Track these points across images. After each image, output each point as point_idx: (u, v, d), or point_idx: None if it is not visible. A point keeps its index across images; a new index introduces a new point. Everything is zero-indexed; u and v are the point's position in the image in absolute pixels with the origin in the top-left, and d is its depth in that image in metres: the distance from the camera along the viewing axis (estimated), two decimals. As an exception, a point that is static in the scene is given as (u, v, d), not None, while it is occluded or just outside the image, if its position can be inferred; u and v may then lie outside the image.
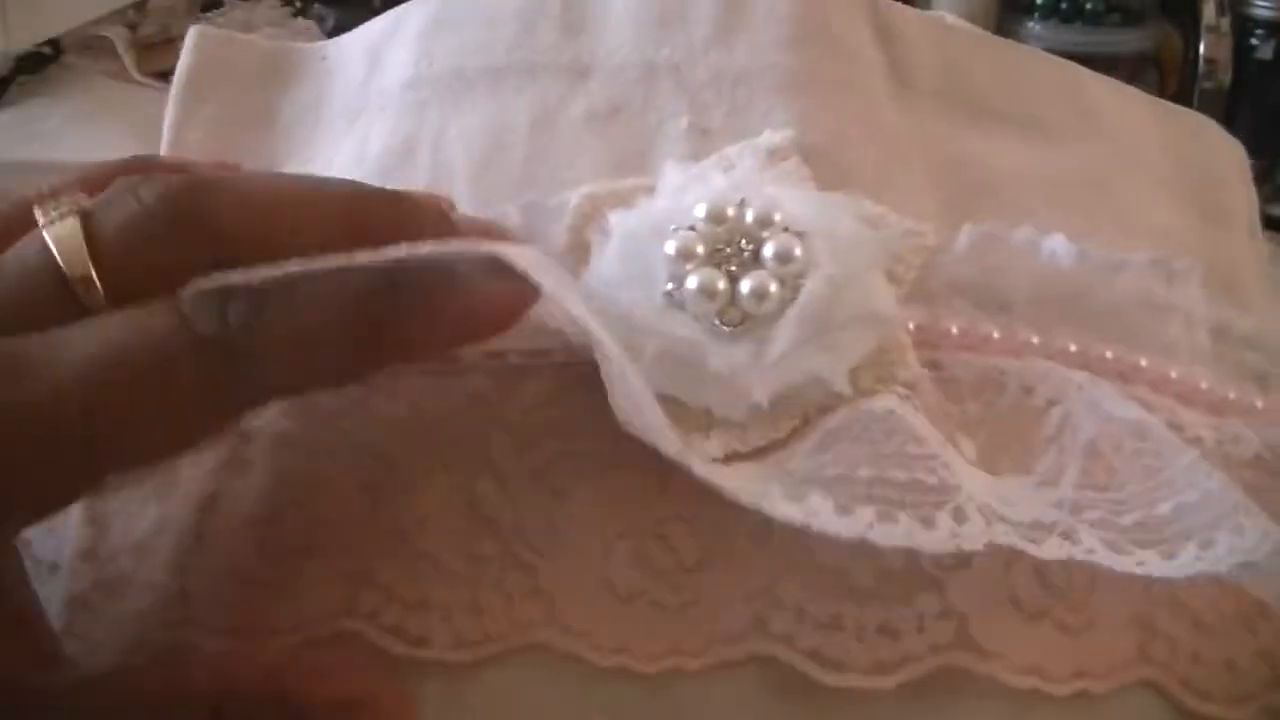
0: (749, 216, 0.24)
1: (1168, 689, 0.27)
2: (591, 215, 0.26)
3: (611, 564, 0.25)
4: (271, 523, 0.26)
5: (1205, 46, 0.88)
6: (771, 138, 0.27)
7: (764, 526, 0.25)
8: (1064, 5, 0.91)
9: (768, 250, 0.24)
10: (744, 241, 0.24)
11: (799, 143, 0.27)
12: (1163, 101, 0.37)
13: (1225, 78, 0.88)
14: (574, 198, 0.26)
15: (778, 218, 0.24)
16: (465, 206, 0.27)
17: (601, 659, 0.25)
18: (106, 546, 0.26)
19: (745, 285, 0.24)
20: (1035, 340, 0.28)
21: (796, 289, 0.24)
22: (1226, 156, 0.37)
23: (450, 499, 0.26)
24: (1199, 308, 0.30)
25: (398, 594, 0.25)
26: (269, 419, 0.27)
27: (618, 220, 0.25)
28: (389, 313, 0.22)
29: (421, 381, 0.26)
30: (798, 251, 0.24)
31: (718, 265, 0.24)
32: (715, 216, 0.24)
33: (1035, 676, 0.26)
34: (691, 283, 0.23)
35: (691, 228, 0.24)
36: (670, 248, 0.24)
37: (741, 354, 0.24)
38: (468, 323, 0.23)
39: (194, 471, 0.26)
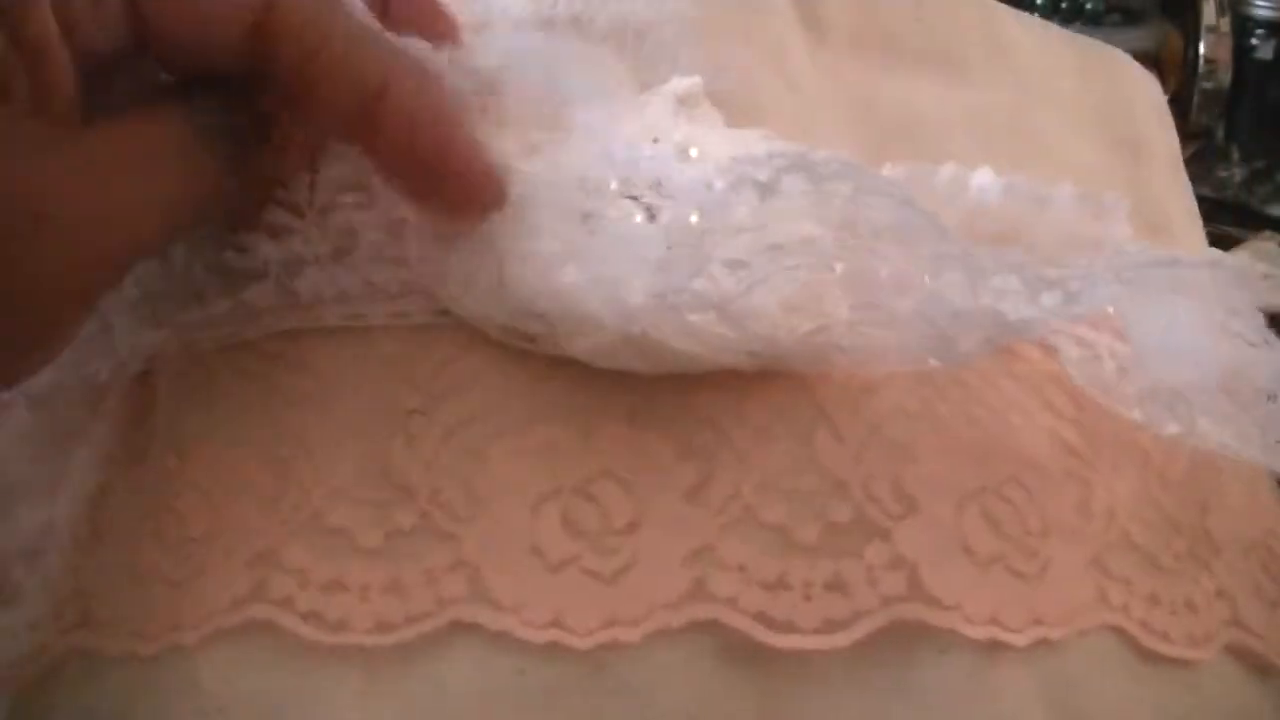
0: (663, 153, 0.24)
1: (1128, 631, 0.27)
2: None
3: (538, 528, 0.24)
4: (169, 511, 0.25)
5: (1205, 46, 0.88)
6: (679, 83, 0.27)
7: (701, 481, 0.25)
8: (1064, 5, 0.91)
9: (682, 183, 0.24)
10: (656, 176, 0.24)
11: (708, 90, 0.27)
12: (1079, 36, 0.37)
13: (1225, 78, 0.88)
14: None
15: (694, 152, 0.24)
16: None
17: (534, 635, 0.24)
18: None
19: (664, 218, 0.24)
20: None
21: (709, 222, 0.24)
22: (1144, 92, 0.37)
23: (363, 468, 0.25)
24: (1127, 243, 0.29)
25: (311, 577, 0.24)
26: (161, 396, 0.26)
27: (535, 167, 0.25)
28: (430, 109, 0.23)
29: (327, 349, 0.25)
30: (695, 182, 0.24)
31: (635, 199, 0.24)
32: (629, 153, 0.24)
33: (993, 626, 0.25)
34: (610, 212, 0.24)
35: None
36: (585, 182, 0.24)
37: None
38: (457, 179, 0.24)
39: (82, 465, 0.26)
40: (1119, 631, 0.27)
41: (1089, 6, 0.90)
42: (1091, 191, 0.30)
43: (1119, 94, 0.36)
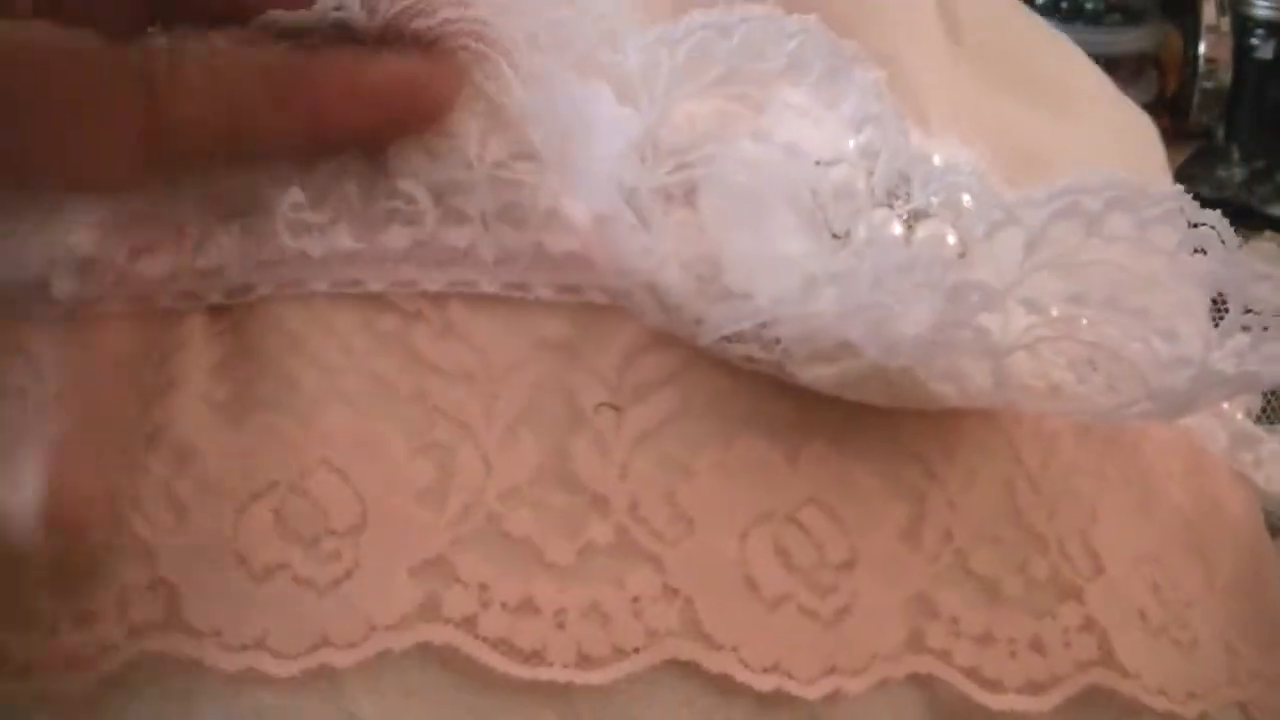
0: (909, 158, 0.22)
1: (1250, 710, 0.26)
2: (695, 140, 0.22)
3: (750, 557, 0.22)
4: (298, 492, 0.21)
5: (1205, 46, 0.88)
6: (867, 74, 0.24)
7: (913, 522, 0.23)
8: (1064, 5, 0.90)
9: (935, 196, 0.21)
10: (913, 184, 0.21)
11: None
12: (1118, 92, 0.36)
13: (1225, 78, 0.88)
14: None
15: (937, 161, 0.22)
16: None
17: (757, 681, 0.21)
18: None
19: (921, 233, 0.21)
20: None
21: (966, 243, 0.21)
22: (1160, 156, 0.37)
23: (543, 467, 0.21)
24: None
25: (494, 591, 0.21)
26: (262, 341, 0.22)
27: (744, 148, 0.22)
28: (304, 72, 0.20)
29: (482, 318, 0.22)
30: (966, 201, 0.21)
31: (889, 207, 0.21)
32: (869, 153, 0.21)
33: (1163, 698, 0.25)
34: (863, 227, 0.21)
35: (838, 160, 0.22)
36: (829, 185, 0.21)
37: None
38: (388, 98, 0.21)
39: (153, 412, 0.21)
40: (1242, 708, 0.26)
41: (1089, 6, 0.90)
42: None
43: (1150, 156, 0.36)
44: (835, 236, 0.21)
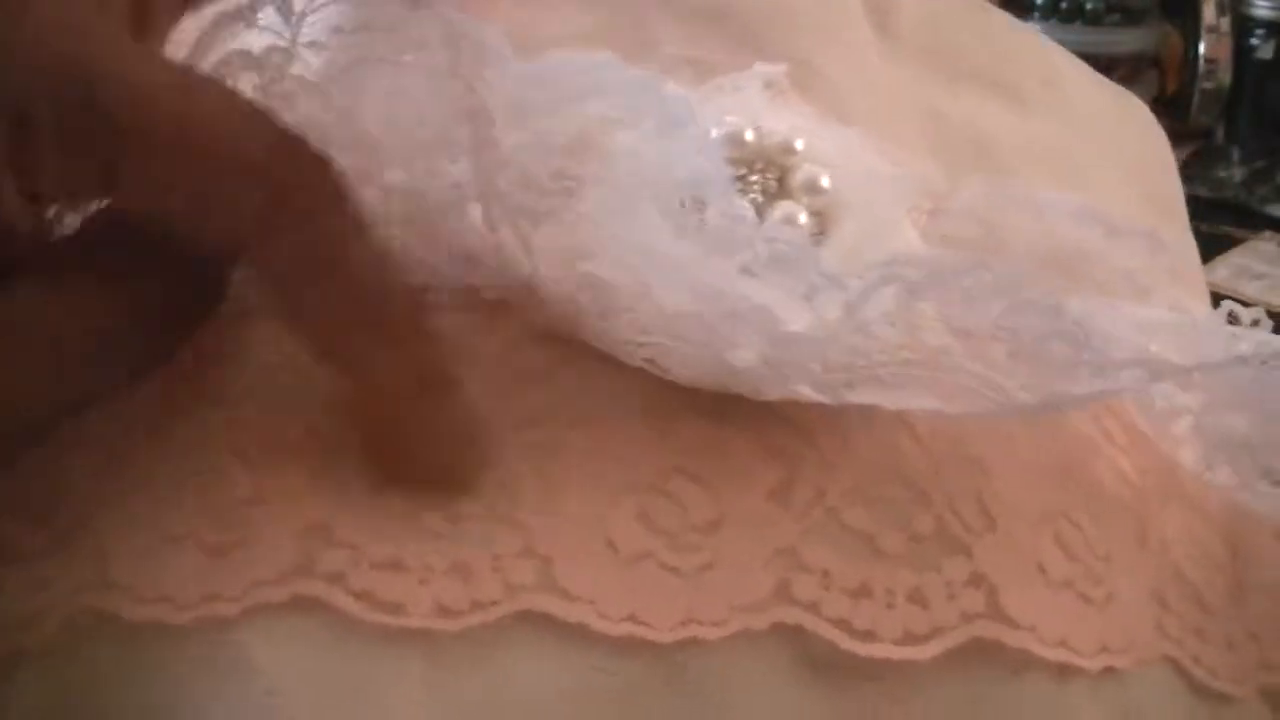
0: (768, 143, 0.23)
1: (1183, 665, 0.27)
2: (588, 138, 0.24)
3: (613, 522, 0.23)
4: (212, 473, 0.23)
5: (1205, 46, 0.88)
6: (766, 69, 0.26)
7: (784, 482, 0.24)
8: (1064, 5, 0.90)
9: (794, 179, 0.23)
10: (766, 169, 0.23)
11: (793, 78, 0.26)
12: (1107, 80, 0.36)
13: (1225, 78, 0.88)
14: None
15: (799, 145, 0.23)
16: None
17: (610, 628, 0.23)
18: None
19: (774, 214, 0.22)
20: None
21: (824, 222, 0.22)
22: (1161, 145, 0.37)
23: None
24: (1168, 290, 0.29)
25: (366, 554, 0.22)
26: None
27: (623, 143, 0.23)
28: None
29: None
30: (824, 182, 0.23)
31: (741, 193, 0.23)
32: (734, 141, 0.23)
33: (1064, 649, 0.25)
34: (713, 212, 0.22)
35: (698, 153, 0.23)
36: (685, 174, 0.23)
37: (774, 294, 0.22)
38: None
39: (110, 422, 0.24)
40: (1176, 664, 0.27)
41: (1089, 6, 0.90)
42: (1155, 231, 0.30)
43: (1148, 146, 0.36)
44: (690, 218, 0.22)
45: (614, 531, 0.23)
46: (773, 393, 0.23)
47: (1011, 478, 0.26)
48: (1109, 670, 0.25)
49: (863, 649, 0.23)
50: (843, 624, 0.23)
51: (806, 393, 0.22)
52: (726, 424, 0.24)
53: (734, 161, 0.23)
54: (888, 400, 0.23)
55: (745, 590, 0.23)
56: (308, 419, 0.24)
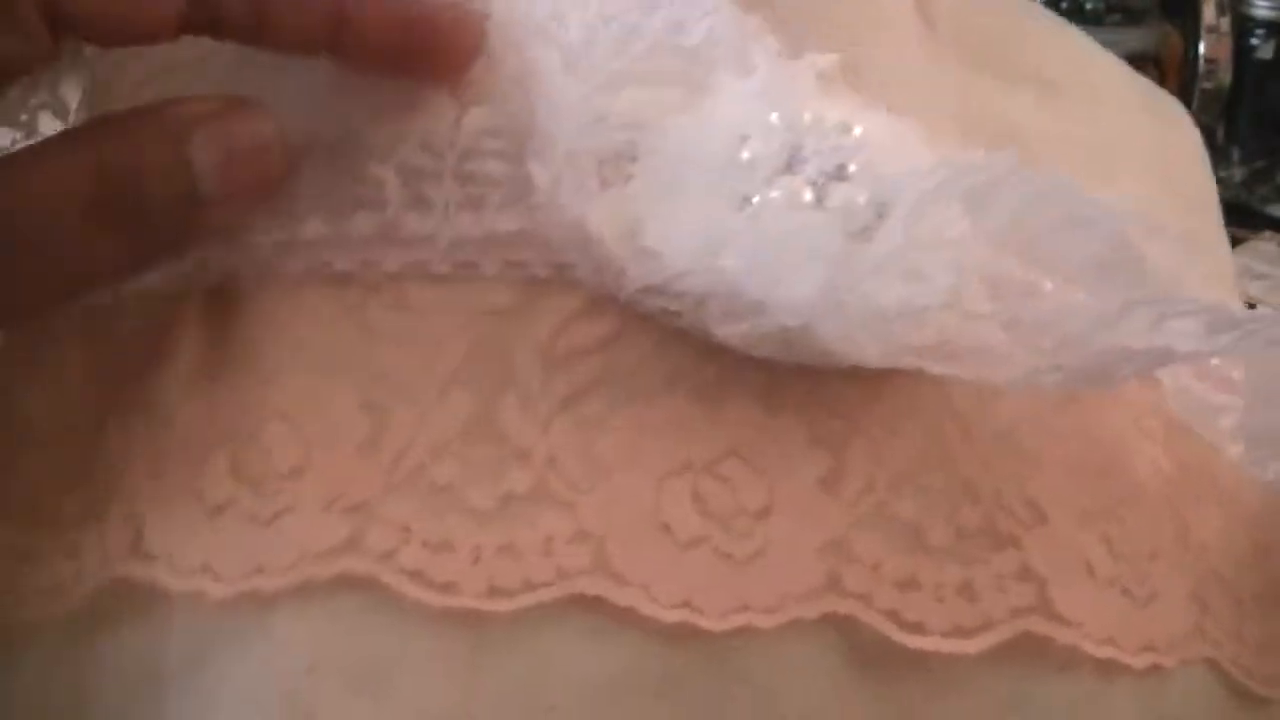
0: (826, 127, 0.23)
1: (1223, 667, 0.26)
2: (639, 119, 0.23)
3: (665, 504, 0.23)
4: (252, 440, 0.23)
5: (1205, 46, 0.88)
6: (818, 60, 0.25)
7: (834, 470, 0.23)
8: (1064, 5, 0.90)
9: (852, 164, 0.22)
10: (823, 153, 0.22)
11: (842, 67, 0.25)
12: (1139, 76, 0.36)
13: (1225, 78, 0.88)
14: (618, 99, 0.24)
15: (858, 131, 0.23)
16: None
17: (662, 614, 0.22)
18: None
19: (833, 200, 0.22)
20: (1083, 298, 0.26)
21: (882, 209, 0.22)
22: (1194, 141, 0.36)
23: (471, 424, 0.23)
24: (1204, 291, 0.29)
25: (415, 533, 0.22)
26: (240, 318, 0.23)
27: (677, 124, 0.23)
28: None
29: (433, 292, 0.23)
30: (882, 168, 0.22)
31: (799, 176, 0.22)
32: (791, 124, 0.22)
33: (1111, 647, 0.24)
34: (774, 194, 0.22)
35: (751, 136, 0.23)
36: (745, 155, 0.22)
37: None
38: (416, 29, 0.22)
39: (145, 384, 0.24)
40: (1215, 666, 0.26)
41: (1089, 6, 0.90)
42: (1193, 233, 0.30)
43: (1180, 143, 0.36)
44: (747, 201, 0.22)
45: (668, 514, 0.23)
46: (829, 340, 0.22)
47: (1058, 473, 0.25)
48: (1153, 669, 0.25)
49: (912, 641, 0.23)
50: (893, 615, 0.23)
51: (862, 343, 0.22)
52: (777, 409, 0.24)
53: (791, 145, 0.22)
54: (937, 364, 0.23)
55: (797, 579, 0.23)
56: (354, 389, 0.23)
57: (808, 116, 0.22)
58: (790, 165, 0.22)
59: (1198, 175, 0.35)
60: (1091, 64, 0.35)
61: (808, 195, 0.22)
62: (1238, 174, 0.88)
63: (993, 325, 0.23)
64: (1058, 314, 0.22)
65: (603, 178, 0.22)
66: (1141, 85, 0.36)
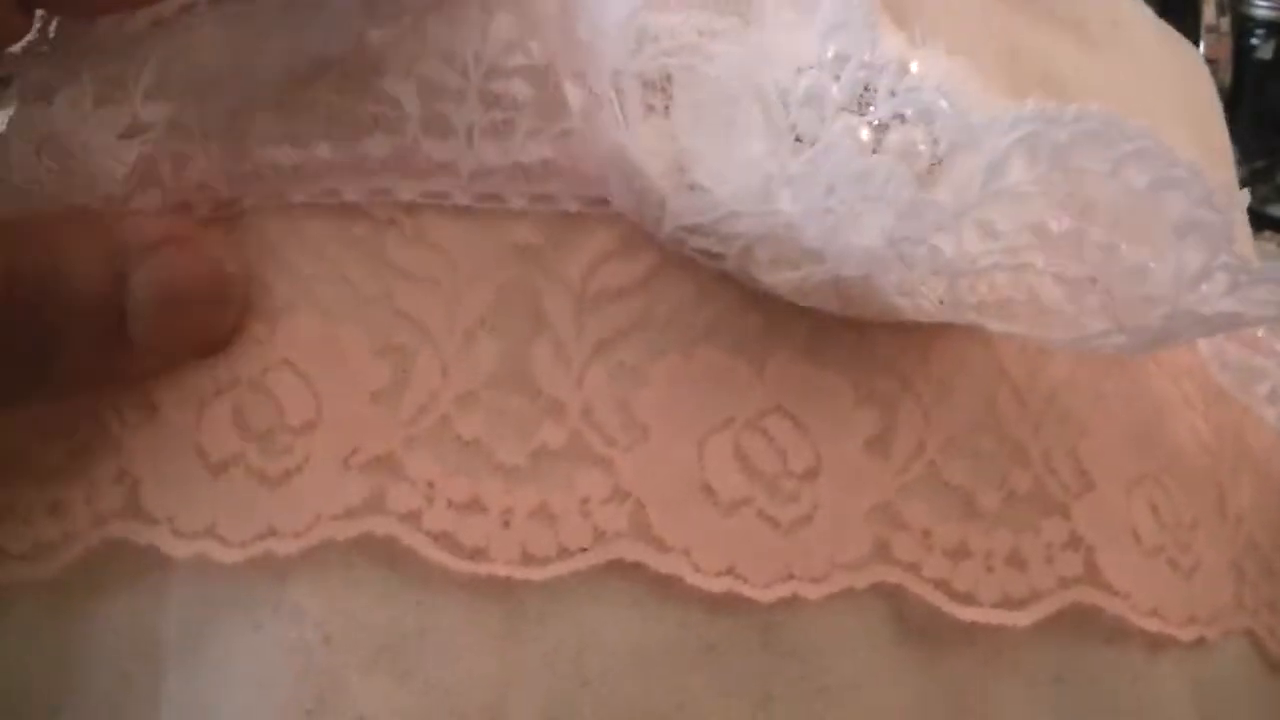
0: (882, 63, 0.21)
1: (1260, 638, 0.26)
2: (686, 43, 0.22)
3: (709, 463, 0.22)
4: (257, 389, 0.21)
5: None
6: None
7: (883, 431, 0.23)
8: (1064, 4, 0.90)
9: (910, 104, 0.21)
10: (885, 95, 0.21)
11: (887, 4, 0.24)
12: (1161, 21, 0.35)
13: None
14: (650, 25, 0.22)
15: (914, 68, 0.21)
16: None
17: (708, 583, 0.21)
18: None
19: (892, 140, 0.21)
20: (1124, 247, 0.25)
21: (945, 155, 0.21)
22: (1212, 90, 0.36)
23: (499, 372, 0.21)
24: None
25: (441, 491, 0.21)
26: (238, 250, 0.22)
27: (728, 53, 0.22)
28: None
29: (453, 226, 0.22)
30: (944, 105, 0.21)
31: (855, 114, 0.21)
32: (844, 60, 0.21)
33: (1157, 619, 0.24)
34: (836, 133, 0.20)
35: (809, 68, 0.21)
36: (802, 89, 0.21)
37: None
38: None
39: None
40: (1254, 637, 0.26)
41: (1089, 5, 0.90)
42: (1229, 183, 0.29)
43: (1202, 91, 0.35)
44: (800, 141, 0.20)
45: (711, 474, 0.22)
46: (889, 293, 0.21)
47: (1106, 438, 0.25)
48: (1198, 642, 0.25)
49: (963, 613, 0.22)
50: (943, 585, 0.22)
51: (923, 297, 0.21)
52: (823, 364, 0.23)
53: (852, 82, 0.21)
54: (996, 322, 0.22)
55: (845, 547, 0.22)
56: (368, 333, 0.21)
57: (867, 54, 0.21)
58: (850, 104, 0.21)
59: (1217, 123, 0.35)
60: (1122, 9, 0.34)
61: (865, 136, 0.21)
62: (1238, 174, 0.87)
63: (1058, 285, 0.22)
64: (1132, 275, 0.21)
65: (647, 104, 0.21)
66: (1165, 31, 0.35)
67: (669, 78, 0.21)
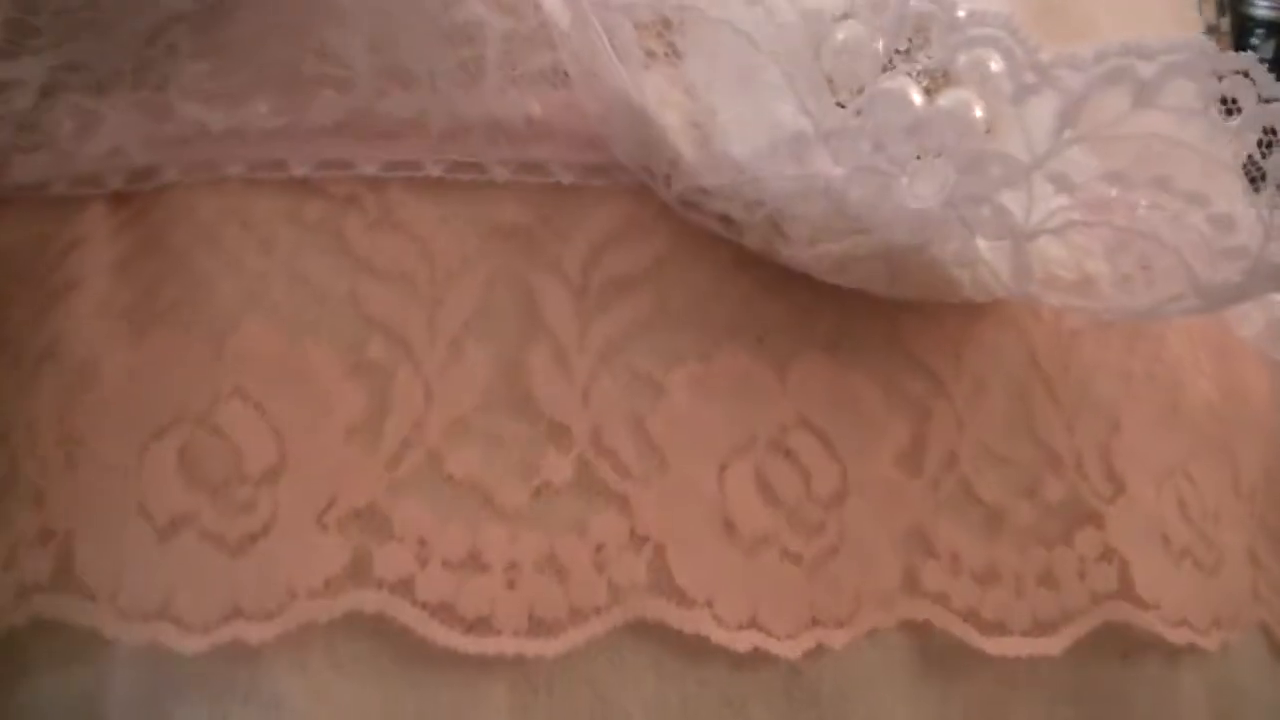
0: (928, 9, 0.19)
1: (1271, 629, 0.25)
2: None
3: (730, 493, 0.19)
4: (207, 428, 0.18)
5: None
6: None
7: (915, 442, 0.20)
8: (1060, 3, 0.88)
9: (961, 60, 0.18)
10: (935, 33, 0.18)
11: None
12: None
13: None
14: None
15: (962, 14, 0.19)
16: None
17: (732, 640, 0.19)
18: None
19: (945, 104, 0.18)
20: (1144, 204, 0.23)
21: (1022, 91, 0.18)
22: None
23: (493, 388, 0.18)
24: None
25: (434, 546, 0.18)
26: (174, 236, 0.18)
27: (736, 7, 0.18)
28: None
29: (426, 203, 0.19)
30: (994, 66, 0.18)
31: (908, 73, 0.18)
32: (893, 4, 0.18)
33: (1186, 629, 0.23)
34: (884, 86, 0.17)
35: (846, 16, 0.18)
36: (840, 37, 0.18)
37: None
38: None
39: (50, 321, 0.18)
40: (1266, 630, 0.25)
41: (1086, 5, 0.88)
42: None
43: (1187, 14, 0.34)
44: (837, 102, 0.18)
45: (733, 506, 0.19)
46: (945, 264, 0.18)
47: (1135, 428, 0.23)
48: (1221, 648, 0.24)
49: (993, 646, 0.21)
50: (972, 616, 0.21)
51: (985, 268, 0.18)
52: (850, 363, 0.20)
53: (895, 27, 0.18)
54: (1056, 296, 0.20)
55: (873, 579, 0.20)
56: (335, 346, 0.18)
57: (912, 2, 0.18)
58: (896, 53, 0.18)
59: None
60: None
61: (916, 97, 0.18)
62: (1238, 177, 0.86)
63: (1129, 247, 0.19)
64: (1218, 226, 0.18)
65: (646, 49, 0.18)
66: None
67: (667, 22, 0.18)
